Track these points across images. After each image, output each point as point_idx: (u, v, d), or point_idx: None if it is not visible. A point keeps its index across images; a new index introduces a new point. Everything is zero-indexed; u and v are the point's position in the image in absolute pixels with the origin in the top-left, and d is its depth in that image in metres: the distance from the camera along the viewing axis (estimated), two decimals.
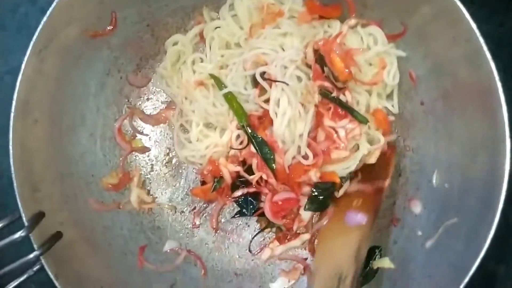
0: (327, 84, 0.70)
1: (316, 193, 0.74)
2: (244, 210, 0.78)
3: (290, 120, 0.70)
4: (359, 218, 0.68)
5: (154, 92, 0.82)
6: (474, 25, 0.60)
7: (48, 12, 0.64)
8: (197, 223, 0.81)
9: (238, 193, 0.76)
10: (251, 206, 0.77)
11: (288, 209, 0.74)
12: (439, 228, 0.67)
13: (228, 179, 0.76)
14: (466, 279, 0.58)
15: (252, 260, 0.80)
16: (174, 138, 0.80)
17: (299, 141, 0.70)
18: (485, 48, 0.59)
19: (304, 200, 0.74)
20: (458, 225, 0.65)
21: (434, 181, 0.71)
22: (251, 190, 0.76)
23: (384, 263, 0.73)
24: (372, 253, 0.74)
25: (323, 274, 0.67)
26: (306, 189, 0.73)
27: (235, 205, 0.79)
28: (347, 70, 0.69)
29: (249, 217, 0.80)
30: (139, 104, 0.82)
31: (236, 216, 0.80)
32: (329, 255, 0.68)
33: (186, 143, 0.78)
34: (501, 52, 0.79)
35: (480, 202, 0.62)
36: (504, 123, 0.59)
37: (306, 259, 0.79)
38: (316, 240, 0.76)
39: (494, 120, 0.60)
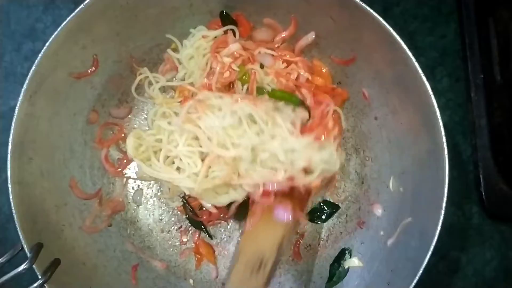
0: None
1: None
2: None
3: None
4: (286, 215, 0.73)
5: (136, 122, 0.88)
6: (408, 52, 0.67)
7: (36, 61, 0.69)
8: (184, 240, 0.87)
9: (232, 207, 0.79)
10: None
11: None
12: (397, 228, 0.75)
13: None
14: (421, 270, 0.65)
15: None
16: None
17: None
18: (420, 70, 0.66)
19: None
20: (412, 224, 0.72)
21: (391, 186, 0.79)
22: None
23: (353, 262, 0.80)
24: (342, 254, 0.82)
25: (247, 254, 0.72)
26: None
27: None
28: None
29: (232, 230, 0.86)
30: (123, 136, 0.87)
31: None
32: (255, 241, 0.73)
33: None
34: (445, 60, 0.90)
35: (428, 203, 0.69)
36: (441, 135, 0.66)
37: None
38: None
39: (433, 133, 0.67)
